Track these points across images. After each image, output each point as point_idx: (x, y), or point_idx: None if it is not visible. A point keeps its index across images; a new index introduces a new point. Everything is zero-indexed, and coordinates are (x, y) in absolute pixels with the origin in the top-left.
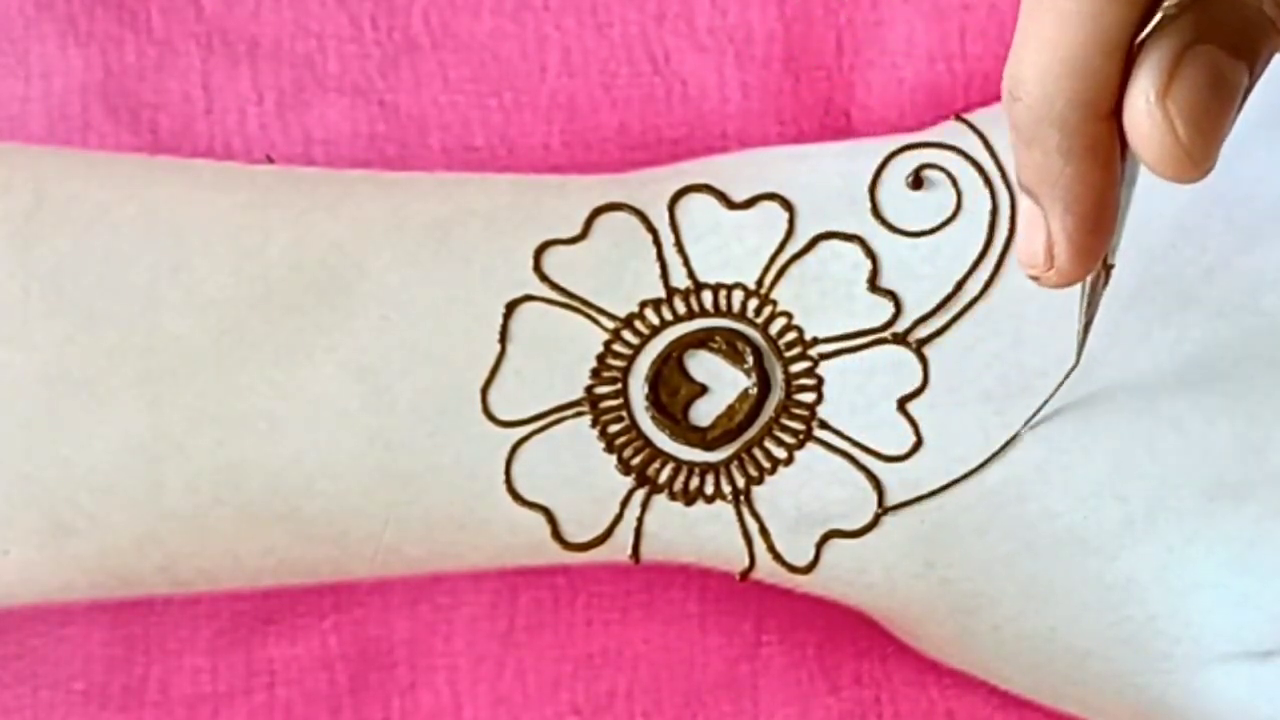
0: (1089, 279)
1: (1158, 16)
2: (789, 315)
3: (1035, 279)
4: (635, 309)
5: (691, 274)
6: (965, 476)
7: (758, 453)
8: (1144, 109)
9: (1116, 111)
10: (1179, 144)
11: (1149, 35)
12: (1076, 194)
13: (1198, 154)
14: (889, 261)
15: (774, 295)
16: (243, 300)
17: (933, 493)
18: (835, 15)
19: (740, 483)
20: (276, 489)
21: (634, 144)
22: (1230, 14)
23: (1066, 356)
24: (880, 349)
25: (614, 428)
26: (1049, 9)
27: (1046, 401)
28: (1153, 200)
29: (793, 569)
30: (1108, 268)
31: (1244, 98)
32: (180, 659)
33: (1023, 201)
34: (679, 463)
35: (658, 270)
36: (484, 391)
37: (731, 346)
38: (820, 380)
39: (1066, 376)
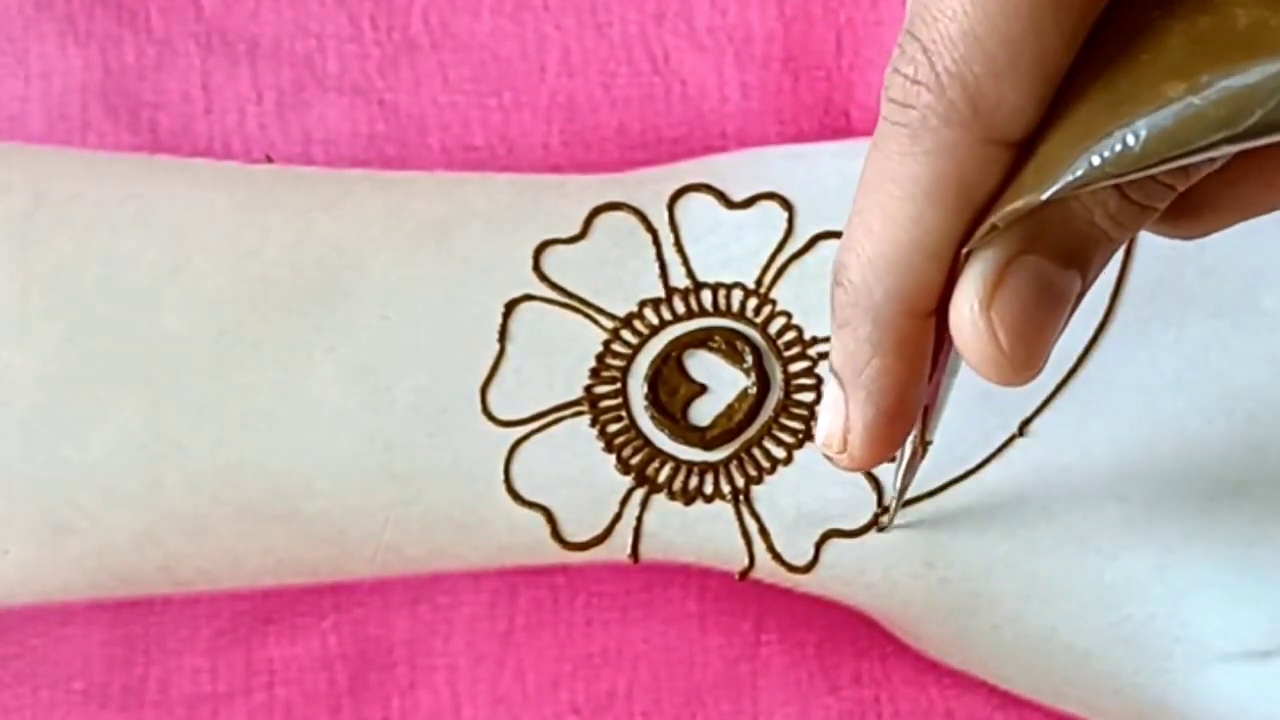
0: (907, 451)
1: (985, 226)
2: (788, 315)
3: (829, 459)
4: (634, 308)
5: (691, 273)
6: (964, 476)
7: (757, 452)
8: (968, 317)
9: (938, 311)
10: (1002, 353)
11: (975, 245)
12: (880, 386)
13: (1020, 362)
14: None
15: (773, 295)
16: (242, 300)
17: (932, 492)
18: (835, 15)
19: (739, 482)
20: (276, 489)
21: (633, 144)
22: (1059, 225)
23: (1066, 356)
24: None
25: (613, 427)
26: (876, 207)
27: (1046, 402)
28: None
29: (792, 568)
30: (925, 444)
31: (1078, 302)
32: (180, 659)
33: (829, 383)
34: (678, 462)
35: (657, 270)
36: (483, 391)
37: (731, 346)
38: (820, 380)
39: (896, 509)
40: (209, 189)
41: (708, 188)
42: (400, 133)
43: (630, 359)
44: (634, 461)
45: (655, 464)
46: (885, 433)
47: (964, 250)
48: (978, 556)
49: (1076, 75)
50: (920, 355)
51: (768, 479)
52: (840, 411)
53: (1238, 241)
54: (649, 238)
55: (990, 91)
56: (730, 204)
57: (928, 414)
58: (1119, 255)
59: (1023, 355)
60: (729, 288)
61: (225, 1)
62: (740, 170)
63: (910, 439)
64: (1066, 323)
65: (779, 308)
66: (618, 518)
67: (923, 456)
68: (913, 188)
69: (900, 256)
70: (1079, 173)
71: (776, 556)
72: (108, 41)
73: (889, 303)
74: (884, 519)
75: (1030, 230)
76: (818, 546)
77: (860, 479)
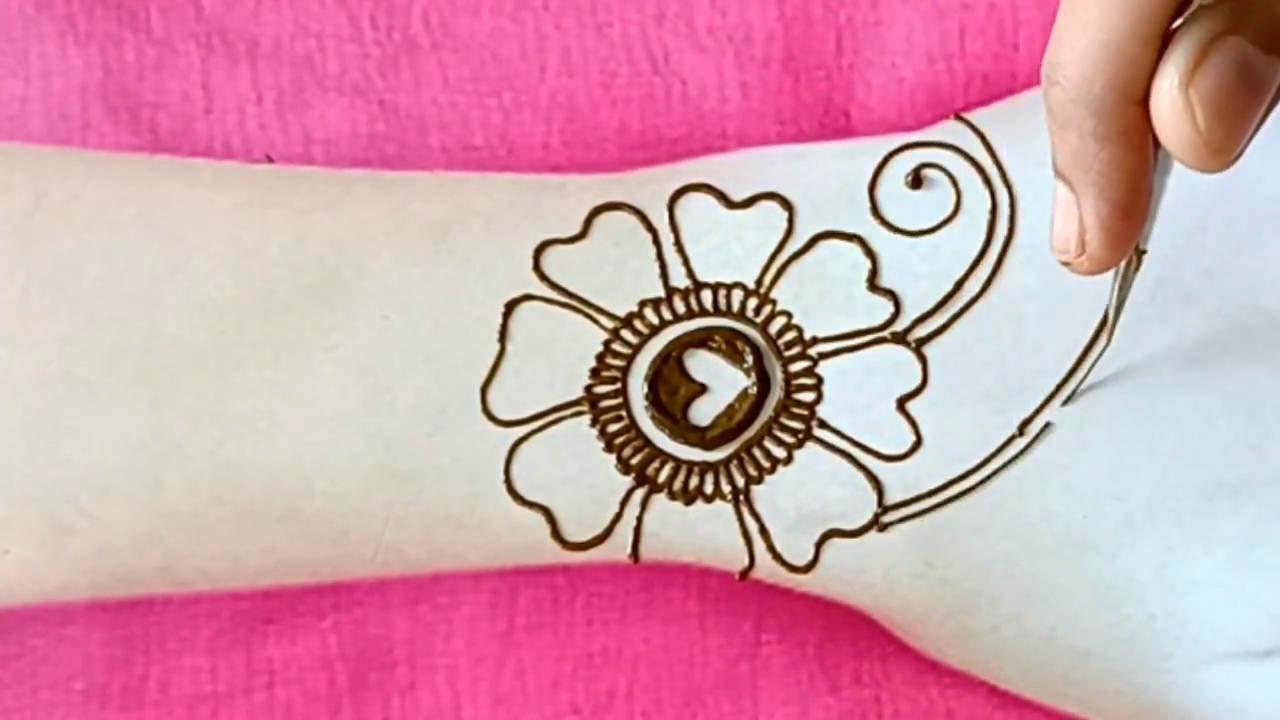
0: (1121, 264)
1: (1194, 6)
2: (788, 314)
3: (1067, 264)
4: (635, 308)
5: (691, 273)
6: (964, 476)
7: (757, 452)
8: (1166, 95)
9: (1149, 97)
10: (1198, 133)
11: (1183, 24)
12: (1110, 179)
13: (1216, 144)
14: (888, 261)
15: (773, 294)
16: (242, 300)
17: (932, 492)
18: (835, 15)
19: (740, 482)
20: (276, 489)
21: (633, 143)
22: (1265, 8)
23: (1066, 356)
24: (879, 348)
25: (613, 427)
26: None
27: (1050, 397)
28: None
29: (792, 568)
30: (1140, 253)
31: (1276, 97)
32: (180, 659)
33: (1058, 188)
34: (678, 462)
35: (657, 270)
36: (483, 391)
37: (731, 346)
38: (819, 380)
39: (1098, 357)
40: (209, 189)
41: (708, 187)
42: (400, 133)
43: (630, 359)
44: (634, 461)
45: (655, 464)
46: (1122, 225)
47: (1172, 28)
48: (978, 556)
49: None
50: (1145, 143)
51: (768, 479)
52: (1073, 214)
53: (1238, 241)
54: (649, 237)
55: None
56: (730, 204)
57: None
58: None
59: (1219, 137)
60: (729, 287)
61: (225, 1)
62: (740, 170)
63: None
64: (1268, 113)
65: (779, 307)
66: (618, 517)
67: (1137, 267)
68: None
69: (1117, 44)
70: None
71: (777, 556)
72: (108, 41)
73: (1109, 93)
74: (1103, 338)
75: (1236, 10)
76: (818, 546)
77: (860, 478)
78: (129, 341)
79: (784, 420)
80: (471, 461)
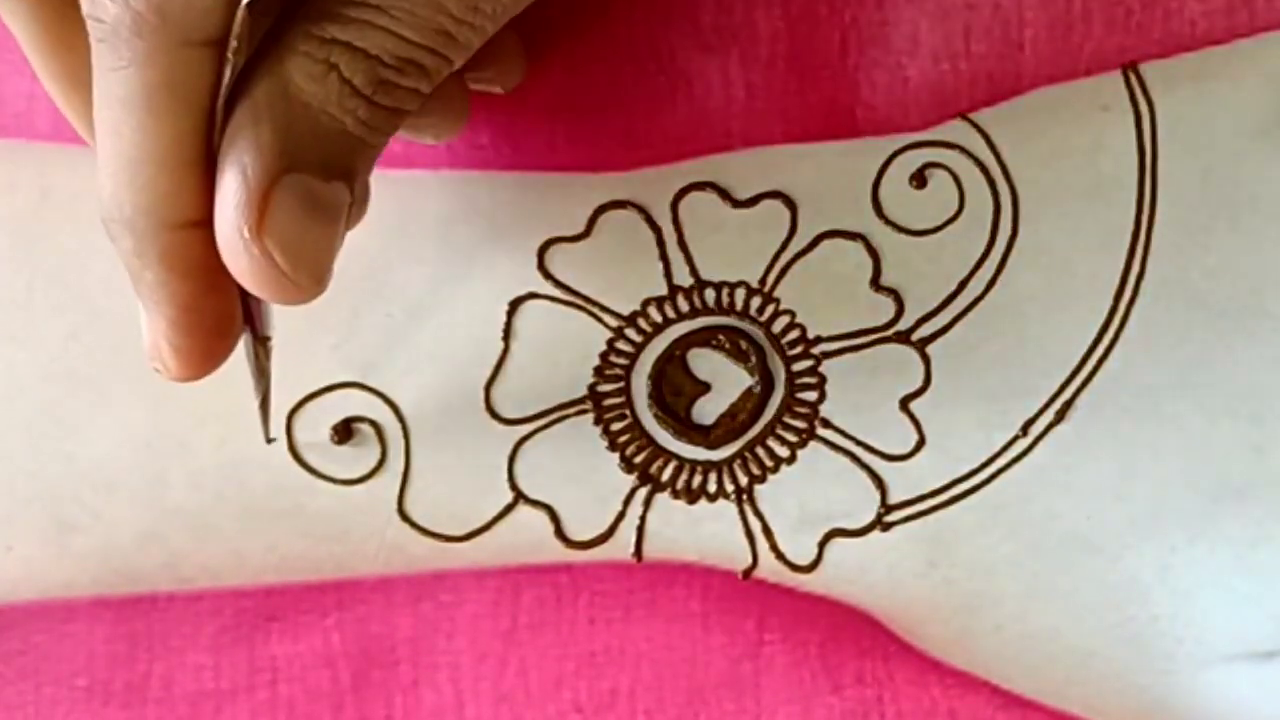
0: (249, 356)
1: (229, 131)
2: (792, 314)
3: (158, 370)
4: (638, 307)
5: (695, 272)
6: (968, 476)
7: (760, 451)
8: (240, 246)
9: (208, 222)
10: (285, 275)
11: (227, 154)
12: (162, 299)
13: (305, 280)
14: (892, 260)
15: (777, 293)
16: None
17: (935, 492)
18: (840, 15)
19: (743, 481)
20: (279, 486)
21: (638, 142)
22: (314, 140)
23: (1070, 356)
24: (883, 348)
25: (617, 426)
26: (105, 124)
27: (1049, 402)
28: (1158, 203)
29: (795, 568)
30: (263, 340)
31: (353, 212)
32: (183, 656)
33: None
34: (682, 461)
35: (661, 268)
36: (487, 389)
37: (734, 345)
38: (823, 379)
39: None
40: None
41: (712, 186)
42: None
43: (634, 357)
44: (637, 460)
45: (659, 463)
46: (188, 344)
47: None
48: (981, 556)
49: None
50: (195, 268)
51: (771, 478)
52: (146, 325)
53: (1243, 243)
54: (653, 236)
55: None
56: (735, 203)
57: (255, 312)
58: (1122, 255)
59: (306, 274)
60: (733, 286)
61: None
62: (745, 169)
63: (245, 340)
64: (344, 235)
65: (783, 306)
66: (621, 516)
67: (267, 356)
68: (129, 101)
69: (136, 170)
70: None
71: (780, 556)
72: None
73: (140, 217)
74: (263, 424)
75: (286, 148)
76: (821, 546)
77: (863, 478)
78: (133, 338)
79: (787, 419)
80: (475, 459)
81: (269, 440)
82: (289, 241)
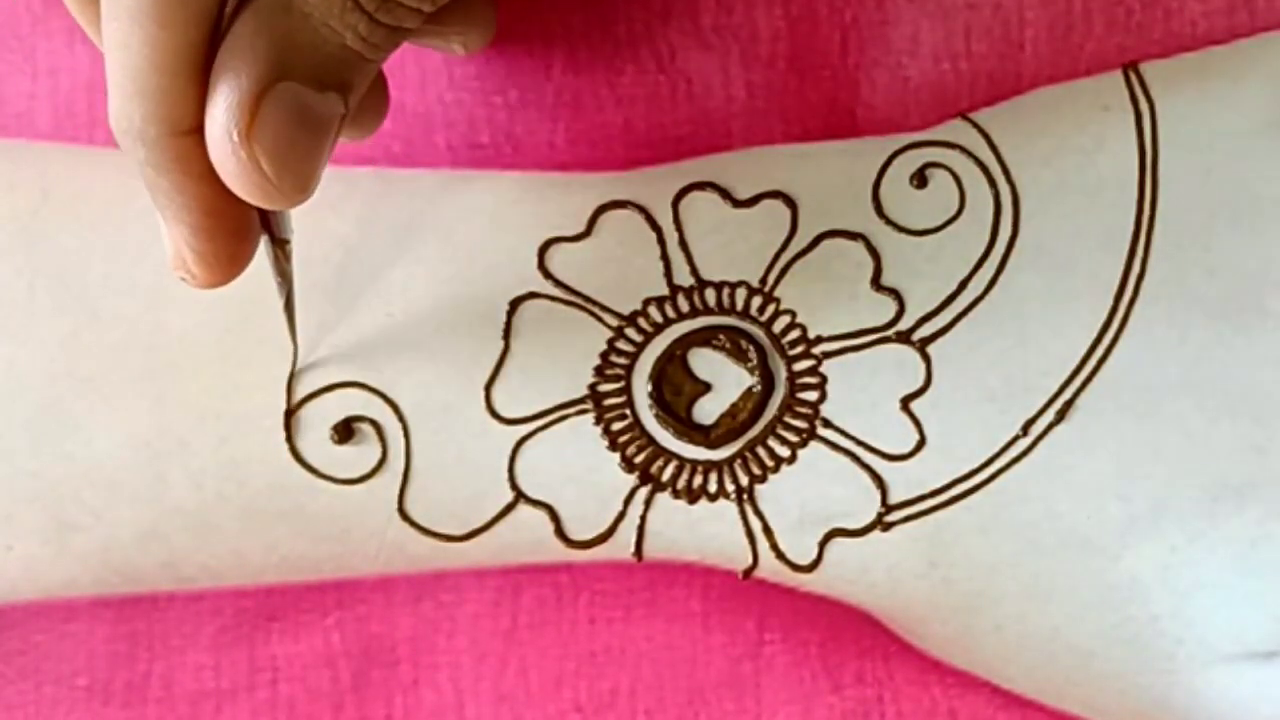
0: (270, 260)
1: (228, 39)
2: (792, 313)
3: (184, 279)
4: (639, 306)
5: (695, 271)
6: (968, 476)
7: (761, 451)
8: (229, 148)
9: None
10: (269, 180)
11: (223, 62)
12: (180, 205)
13: (289, 189)
14: (892, 260)
15: (777, 293)
16: (247, 297)
17: (936, 492)
18: (840, 14)
19: (743, 481)
20: (280, 485)
21: (638, 142)
22: (311, 52)
23: (1070, 356)
24: (884, 347)
25: (617, 425)
26: (113, 36)
27: (1050, 402)
28: (1158, 203)
29: (796, 568)
30: (282, 242)
31: (342, 123)
32: (183, 655)
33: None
34: (682, 461)
35: (661, 268)
36: (488, 389)
37: (735, 344)
38: (824, 379)
39: (295, 355)
40: None
41: (713, 186)
42: (406, 130)
43: (635, 357)
44: (638, 460)
45: (659, 462)
46: (210, 248)
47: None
48: (981, 556)
49: None
50: (210, 171)
51: (771, 478)
52: (167, 235)
53: (1243, 241)
54: (654, 236)
55: None
56: (735, 202)
57: (272, 215)
58: (1123, 255)
59: (290, 180)
60: (733, 286)
61: None
62: (745, 169)
63: (264, 244)
64: (332, 145)
65: (783, 306)
66: (621, 516)
67: (288, 257)
68: (137, 12)
69: (145, 81)
70: None
71: (780, 555)
72: None
73: (149, 125)
74: (289, 328)
75: (282, 58)
76: (821, 545)
77: (864, 478)
78: (134, 338)
79: (788, 419)
80: (475, 459)
81: (295, 346)
82: (276, 148)
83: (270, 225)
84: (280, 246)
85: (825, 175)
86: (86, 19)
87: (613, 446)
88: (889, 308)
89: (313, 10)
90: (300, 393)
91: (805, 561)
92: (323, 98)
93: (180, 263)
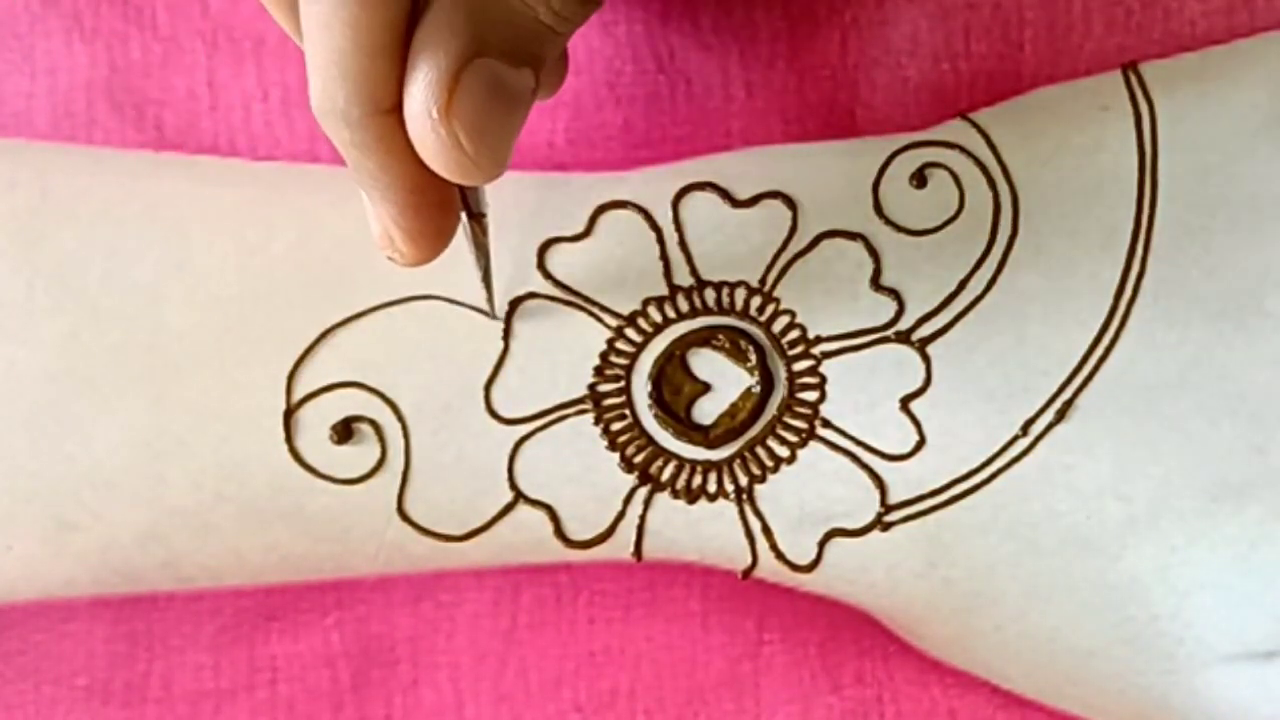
0: (468, 235)
1: (427, 16)
2: (792, 313)
3: (391, 259)
4: (638, 307)
5: (695, 272)
6: (968, 476)
7: (760, 451)
8: (427, 124)
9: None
10: (467, 155)
11: (422, 39)
12: (385, 184)
13: (485, 162)
14: (892, 260)
15: (777, 293)
16: (246, 296)
17: (935, 492)
18: (840, 14)
19: (743, 481)
20: (279, 485)
21: (638, 142)
22: (505, 27)
23: (1070, 355)
24: (883, 347)
25: (617, 425)
26: (314, 19)
27: (1049, 402)
28: (1158, 203)
29: (795, 568)
30: (478, 217)
31: (534, 97)
32: (183, 655)
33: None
34: (682, 461)
35: (661, 268)
36: (487, 389)
37: (734, 345)
38: (823, 379)
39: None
40: (214, 186)
41: (712, 186)
42: None
43: (634, 357)
44: (637, 460)
45: (659, 462)
46: (417, 225)
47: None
48: (981, 556)
49: None
50: (411, 147)
51: (771, 478)
52: (374, 214)
53: (1242, 242)
54: (653, 236)
55: None
56: (735, 202)
57: (468, 190)
58: (1122, 255)
59: (487, 156)
60: (733, 286)
61: None
62: (745, 169)
63: (463, 220)
64: (523, 119)
65: (783, 306)
66: (621, 516)
67: (484, 231)
68: None
69: (348, 62)
70: None
71: (780, 555)
72: (113, 38)
73: (353, 106)
74: (487, 299)
75: (478, 34)
76: (821, 545)
77: (863, 478)
78: (133, 338)
79: (787, 419)
80: (474, 459)
81: (492, 317)
82: (474, 124)
83: (466, 200)
84: (477, 220)
85: (825, 175)
86: (280, 7)
87: (612, 446)
88: (888, 308)
89: None
90: (299, 393)
91: (804, 561)
92: (517, 73)
93: (387, 241)
